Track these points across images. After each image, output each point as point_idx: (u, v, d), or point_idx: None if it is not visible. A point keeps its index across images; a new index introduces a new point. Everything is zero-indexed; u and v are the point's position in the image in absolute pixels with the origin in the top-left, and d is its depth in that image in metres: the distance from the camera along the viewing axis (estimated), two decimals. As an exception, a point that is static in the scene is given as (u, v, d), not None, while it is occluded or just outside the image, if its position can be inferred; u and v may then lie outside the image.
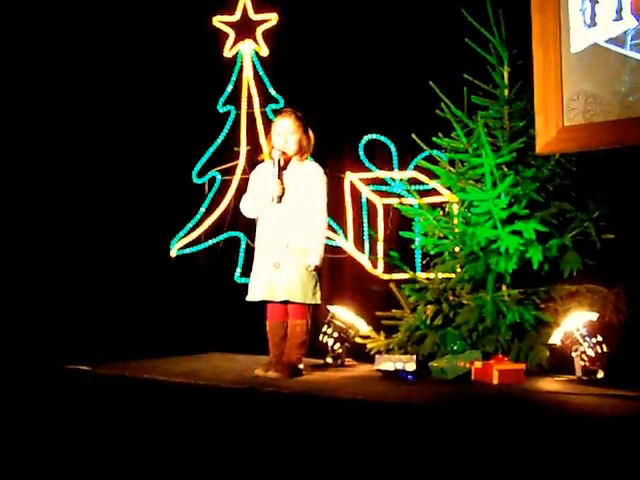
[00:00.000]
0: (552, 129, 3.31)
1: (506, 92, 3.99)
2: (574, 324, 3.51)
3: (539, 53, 3.33)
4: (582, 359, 3.43)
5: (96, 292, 4.82)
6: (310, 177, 3.69)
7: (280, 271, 3.60)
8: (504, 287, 3.82)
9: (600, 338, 3.44)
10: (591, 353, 3.41)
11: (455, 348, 3.69)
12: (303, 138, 3.71)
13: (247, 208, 3.80)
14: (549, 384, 3.37)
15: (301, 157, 3.73)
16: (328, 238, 3.88)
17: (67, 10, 4.96)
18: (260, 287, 3.66)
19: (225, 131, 5.02)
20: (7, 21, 4.85)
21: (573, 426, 2.50)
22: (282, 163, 3.66)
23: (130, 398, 3.32)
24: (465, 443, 2.54)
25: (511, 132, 3.96)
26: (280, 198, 3.63)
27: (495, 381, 3.33)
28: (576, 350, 3.47)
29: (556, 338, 3.55)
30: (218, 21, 5.04)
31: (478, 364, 3.46)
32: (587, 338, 3.44)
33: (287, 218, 3.64)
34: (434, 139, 4.10)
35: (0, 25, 4.83)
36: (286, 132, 3.69)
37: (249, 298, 3.70)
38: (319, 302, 3.70)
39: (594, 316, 3.51)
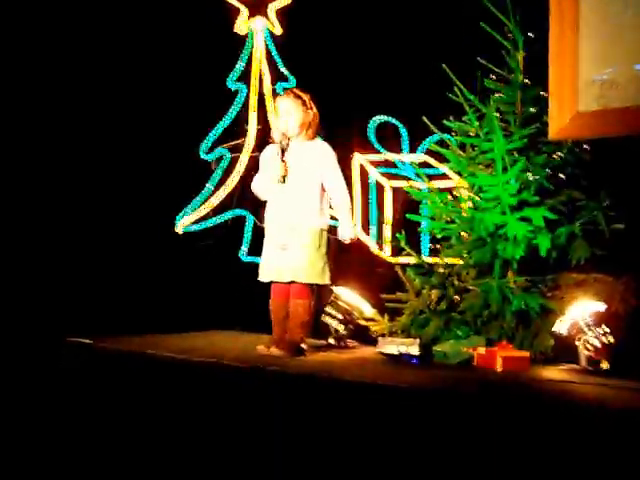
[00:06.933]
0: (566, 115, 3.25)
1: (520, 77, 3.93)
2: (580, 313, 3.48)
3: (555, 37, 3.27)
4: (587, 349, 3.40)
5: (100, 266, 4.80)
6: (319, 155, 3.69)
7: (287, 252, 3.60)
8: (510, 274, 3.79)
9: (606, 328, 3.41)
10: (596, 343, 3.38)
11: (459, 333, 3.67)
12: (305, 116, 3.69)
13: (257, 189, 3.82)
14: (553, 373, 3.36)
15: (307, 135, 3.71)
16: (333, 218, 3.85)
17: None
18: (268, 268, 3.67)
19: (235, 108, 4.97)
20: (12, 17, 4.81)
21: (575, 415, 2.49)
22: (285, 143, 3.66)
23: (130, 373, 3.31)
24: (466, 428, 2.53)
25: (523, 117, 3.91)
26: (284, 179, 3.62)
27: (499, 368, 3.32)
28: (581, 339, 3.44)
29: (561, 326, 3.52)
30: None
31: (482, 350, 3.45)
32: (593, 328, 3.41)
33: (294, 198, 3.64)
34: (445, 122, 4.06)
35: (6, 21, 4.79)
36: (285, 113, 3.70)
37: (259, 278, 3.71)
38: (328, 282, 3.69)
39: (601, 306, 3.48)
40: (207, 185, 4.93)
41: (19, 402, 3.21)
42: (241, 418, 2.99)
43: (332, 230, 3.87)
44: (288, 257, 3.60)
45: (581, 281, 3.67)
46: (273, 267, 3.65)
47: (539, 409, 2.54)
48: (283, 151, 3.65)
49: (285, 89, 4.00)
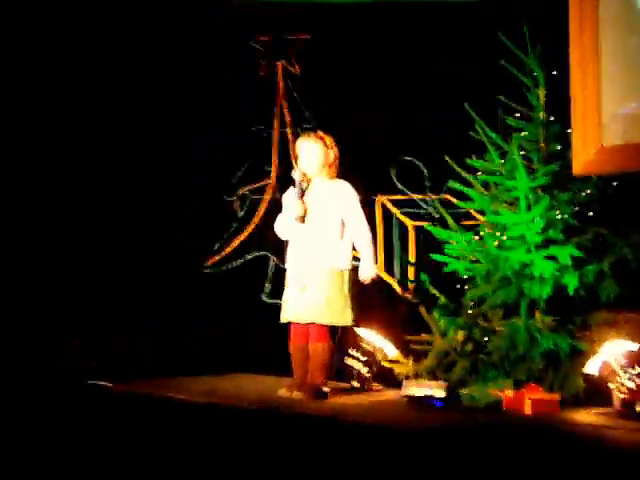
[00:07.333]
0: (590, 150, 3.22)
1: (542, 114, 3.91)
2: (612, 354, 3.37)
3: (577, 72, 3.25)
4: (621, 391, 3.28)
5: (120, 307, 4.78)
6: (340, 195, 3.69)
7: (306, 292, 3.56)
8: (538, 313, 3.70)
9: (640, 369, 3.30)
10: (630, 385, 3.26)
11: (486, 375, 3.58)
12: (326, 156, 3.70)
13: (279, 229, 3.82)
14: (585, 416, 3.25)
15: (328, 175, 3.71)
16: (356, 258, 3.80)
17: (110, 23, 5.00)
18: (287, 309, 3.65)
19: (257, 150, 5.00)
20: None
21: (609, 461, 2.39)
22: (304, 184, 3.66)
23: (150, 416, 3.26)
24: (495, 473, 2.43)
25: (547, 155, 3.87)
26: (302, 219, 3.62)
27: (528, 411, 3.22)
28: (614, 381, 3.33)
29: (593, 368, 3.41)
30: (252, 41, 5.03)
31: (510, 393, 3.35)
32: (626, 369, 3.30)
33: (313, 238, 3.63)
34: (467, 161, 4.03)
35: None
36: (306, 153, 3.71)
37: (280, 320, 3.68)
38: (349, 323, 3.65)
39: (634, 346, 3.37)
40: (230, 227, 4.92)
41: (35, 446, 3.17)
42: (261, 462, 2.92)
43: (355, 270, 3.83)
44: (307, 297, 3.57)
45: (611, 321, 3.57)
46: (292, 308, 3.62)
47: (570, 454, 2.45)
48: (302, 191, 3.65)
49: (306, 130, 4.01)
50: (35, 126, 4.86)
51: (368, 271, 3.68)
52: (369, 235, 3.72)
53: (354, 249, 3.79)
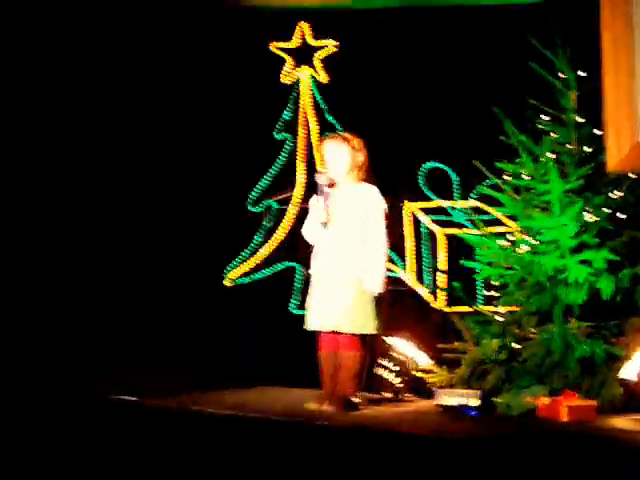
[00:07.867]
0: (625, 146, 3.11)
1: (573, 116, 3.84)
2: (650, 359, 3.28)
3: (610, 65, 3.15)
4: (660, 397, 3.20)
5: (145, 321, 4.77)
6: (367, 201, 3.58)
7: (329, 299, 3.48)
8: (572, 319, 3.62)
9: (679, 375, 3.20)
10: (670, 391, 3.17)
11: (521, 383, 3.51)
12: (353, 159, 3.61)
13: (305, 233, 3.74)
14: (623, 422, 3.17)
15: (356, 178, 3.63)
16: (387, 269, 3.71)
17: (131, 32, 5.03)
18: (311, 316, 3.57)
19: (282, 159, 4.96)
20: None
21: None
22: (328, 188, 3.58)
23: (177, 430, 3.23)
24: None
25: (579, 157, 3.80)
26: (326, 224, 3.54)
27: (564, 418, 3.15)
28: (653, 387, 3.24)
29: (630, 373, 3.32)
30: (275, 47, 5.00)
31: (545, 400, 3.29)
32: (665, 374, 3.21)
33: (338, 243, 3.54)
34: (498, 165, 3.97)
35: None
36: (330, 156, 3.64)
37: (305, 327, 3.62)
38: (372, 332, 3.53)
39: (671, 351, 3.28)
40: (255, 237, 4.89)
41: (62, 463, 3.14)
42: (291, 474, 2.87)
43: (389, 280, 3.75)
44: (329, 304, 3.47)
45: (647, 325, 3.48)
46: (315, 315, 3.53)
47: (609, 461, 2.36)
48: (324, 195, 3.57)
49: (332, 133, 3.93)
50: (56, 144, 4.92)
51: (370, 285, 3.48)
52: (382, 249, 3.53)
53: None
